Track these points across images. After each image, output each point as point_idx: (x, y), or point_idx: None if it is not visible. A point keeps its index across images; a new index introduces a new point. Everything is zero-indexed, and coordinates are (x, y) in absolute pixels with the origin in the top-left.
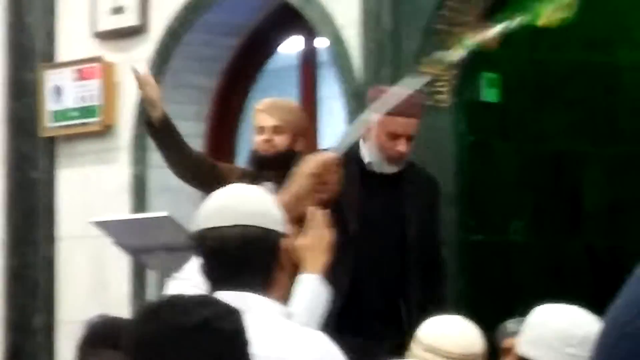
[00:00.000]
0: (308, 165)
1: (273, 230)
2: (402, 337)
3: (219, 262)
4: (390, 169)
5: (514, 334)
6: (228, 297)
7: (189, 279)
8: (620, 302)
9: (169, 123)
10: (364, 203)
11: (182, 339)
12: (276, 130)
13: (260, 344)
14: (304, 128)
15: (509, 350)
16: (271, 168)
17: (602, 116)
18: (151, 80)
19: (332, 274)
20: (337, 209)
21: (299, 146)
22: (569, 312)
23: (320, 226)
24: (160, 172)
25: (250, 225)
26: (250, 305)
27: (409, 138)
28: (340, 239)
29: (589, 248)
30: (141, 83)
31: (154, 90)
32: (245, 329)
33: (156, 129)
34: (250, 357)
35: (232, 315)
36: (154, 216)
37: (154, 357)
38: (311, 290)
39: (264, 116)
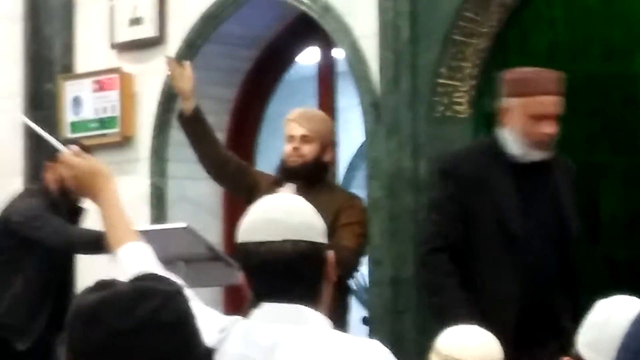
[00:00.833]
0: None
1: (320, 243)
2: (564, 340)
3: (269, 277)
4: (539, 156)
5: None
6: (282, 309)
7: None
8: None
9: (200, 115)
10: (522, 199)
11: (128, 341)
12: (304, 139)
13: (320, 356)
14: (332, 139)
15: None
16: (298, 177)
17: (619, 126)
18: (186, 70)
19: (498, 278)
20: (496, 210)
21: (327, 156)
22: (629, 313)
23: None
24: (179, 183)
25: (300, 240)
26: (306, 317)
27: (555, 118)
28: (503, 241)
29: (607, 259)
30: (174, 73)
31: (187, 81)
32: (189, 311)
33: (187, 120)
34: (199, 341)
35: (171, 304)
36: (173, 227)
37: None
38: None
39: (293, 125)
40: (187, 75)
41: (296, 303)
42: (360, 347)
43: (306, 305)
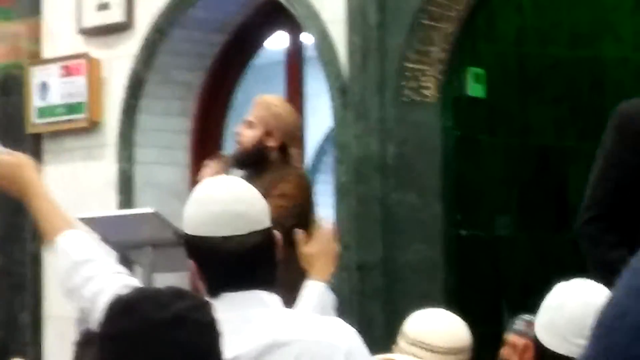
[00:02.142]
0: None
1: (271, 227)
2: None
3: (231, 269)
4: None
5: (521, 331)
6: (241, 297)
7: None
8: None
9: None
10: None
11: (160, 332)
12: (248, 125)
13: (291, 331)
14: (281, 124)
15: (511, 346)
16: (240, 164)
17: (587, 111)
18: None
19: None
20: None
21: (271, 141)
22: (584, 297)
23: (328, 235)
24: (146, 168)
25: (260, 230)
26: (267, 303)
27: None
28: None
29: (575, 242)
30: None
31: None
32: (216, 320)
33: None
34: (222, 347)
35: (205, 307)
36: (140, 212)
37: (131, 352)
38: (317, 296)
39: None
40: None
41: (257, 288)
42: (324, 324)
43: (266, 289)
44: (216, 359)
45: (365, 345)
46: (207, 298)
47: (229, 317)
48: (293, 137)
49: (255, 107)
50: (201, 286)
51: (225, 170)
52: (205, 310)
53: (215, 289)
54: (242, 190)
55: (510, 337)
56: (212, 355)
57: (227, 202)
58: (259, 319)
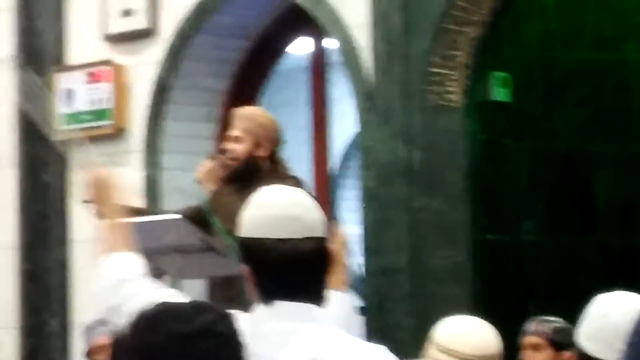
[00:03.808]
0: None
1: (326, 238)
2: None
3: (286, 275)
4: None
5: (534, 332)
6: (295, 308)
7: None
8: None
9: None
10: None
11: (185, 346)
12: (236, 140)
13: (331, 355)
14: (268, 134)
15: (529, 347)
16: (234, 178)
17: (612, 114)
18: None
19: None
20: None
21: (261, 152)
22: (631, 306)
23: (340, 244)
24: (172, 174)
25: (317, 237)
26: (318, 318)
27: None
28: None
29: (602, 247)
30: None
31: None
32: (239, 331)
33: None
34: (245, 358)
35: (227, 319)
36: (167, 218)
37: None
38: (343, 308)
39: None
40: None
41: (308, 301)
42: (367, 351)
43: (317, 303)
44: None
45: (392, 349)
46: (259, 305)
47: (278, 328)
48: (279, 143)
49: (239, 121)
50: (253, 294)
51: (220, 170)
52: (227, 322)
53: (268, 296)
54: (299, 196)
55: (528, 339)
56: None
57: (283, 205)
58: (306, 334)
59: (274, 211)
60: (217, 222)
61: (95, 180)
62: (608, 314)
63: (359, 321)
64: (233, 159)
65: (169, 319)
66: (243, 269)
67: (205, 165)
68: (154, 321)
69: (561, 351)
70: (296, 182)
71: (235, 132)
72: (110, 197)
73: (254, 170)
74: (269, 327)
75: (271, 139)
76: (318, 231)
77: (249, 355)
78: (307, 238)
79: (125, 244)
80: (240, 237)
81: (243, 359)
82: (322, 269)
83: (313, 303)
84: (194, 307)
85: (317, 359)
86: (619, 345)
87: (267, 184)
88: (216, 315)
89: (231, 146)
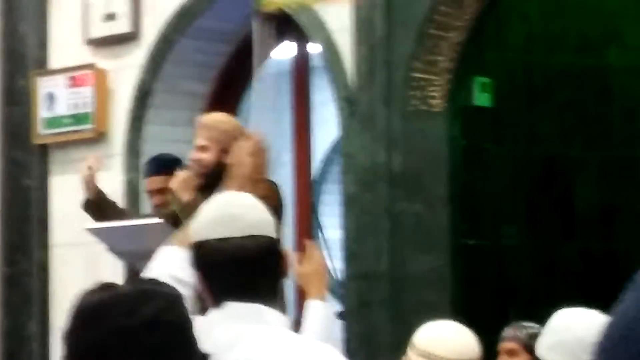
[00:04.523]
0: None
1: (275, 238)
2: None
3: (232, 274)
4: None
5: (511, 337)
6: (244, 309)
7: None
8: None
9: (103, 196)
10: None
11: (129, 340)
12: (202, 149)
13: (283, 355)
14: (232, 140)
15: (505, 353)
16: (205, 186)
17: (594, 119)
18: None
19: None
20: None
21: (227, 158)
22: (590, 318)
23: (316, 254)
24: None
25: (260, 235)
26: (267, 319)
27: None
28: None
29: (582, 251)
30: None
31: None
32: (189, 316)
33: (92, 203)
34: (198, 344)
35: (175, 306)
36: (147, 222)
37: None
38: (322, 317)
39: (197, 135)
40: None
41: (258, 301)
42: (314, 352)
43: (268, 304)
44: (190, 357)
45: (371, 354)
46: (212, 309)
47: (227, 329)
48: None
49: (201, 130)
50: (207, 299)
51: (194, 179)
52: (175, 309)
53: (217, 298)
54: (243, 197)
55: (504, 344)
56: (186, 354)
57: (223, 206)
58: (254, 336)
59: (214, 212)
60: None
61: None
62: (570, 326)
63: (338, 329)
64: (202, 168)
65: (110, 311)
66: (194, 275)
67: (180, 176)
68: (94, 315)
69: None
70: (268, 185)
71: (200, 141)
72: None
73: (223, 177)
74: (219, 328)
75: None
76: (261, 230)
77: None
78: (250, 236)
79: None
80: (190, 243)
81: (194, 347)
82: (268, 267)
83: (263, 303)
84: (139, 296)
85: None
86: (583, 355)
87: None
88: (163, 303)
89: (198, 156)
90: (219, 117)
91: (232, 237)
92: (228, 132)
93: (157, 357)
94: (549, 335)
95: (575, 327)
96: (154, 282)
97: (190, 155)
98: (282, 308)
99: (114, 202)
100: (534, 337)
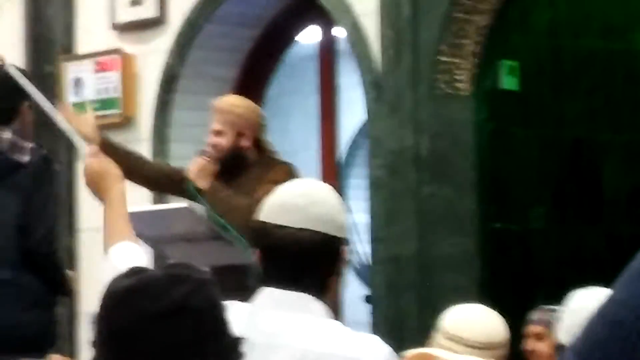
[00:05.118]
0: None
1: (337, 237)
2: None
3: (281, 262)
4: None
5: (538, 321)
6: (286, 296)
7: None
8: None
9: (110, 146)
10: None
11: (158, 325)
12: (218, 134)
13: (322, 342)
14: (250, 123)
15: (532, 336)
16: (221, 171)
17: (621, 103)
18: (87, 115)
19: None
20: None
21: (245, 142)
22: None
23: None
24: (181, 163)
25: (317, 232)
26: (309, 307)
27: None
28: None
29: (610, 235)
30: (76, 120)
31: (89, 126)
32: (220, 299)
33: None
34: (229, 329)
35: (205, 290)
36: (174, 207)
37: (128, 347)
38: None
39: (214, 119)
40: (89, 119)
41: (304, 292)
42: (360, 342)
43: (313, 295)
44: (222, 342)
45: (399, 338)
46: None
47: (273, 317)
48: (262, 128)
49: (218, 114)
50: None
51: (212, 165)
52: (205, 293)
53: (267, 281)
54: (315, 189)
55: (531, 328)
56: (216, 338)
57: (293, 194)
58: (298, 325)
59: (281, 198)
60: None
61: (90, 168)
62: (587, 308)
63: None
64: (218, 152)
65: (138, 295)
66: (254, 252)
67: (197, 162)
68: (124, 299)
69: None
70: (286, 168)
71: (216, 126)
72: (108, 185)
73: (240, 162)
74: (264, 315)
75: (252, 127)
76: (322, 226)
77: (237, 333)
78: (307, 230)
79: (127, 232)
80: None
81: (225, 331)
82: (321, 264)
83: (308, 294)
84: (168, 281)
85: (311, 351)
86: None
87: (254, 174)
88: (193, 286)
89: (214, 140)
90: (233, 101)
91: (288, 226)
92: (243, 116)
93: (186, 341)
94: (566, 318)
95: (590, 308)
96: (183, 266)
97: (207, 140)
98: (334, 306)
99: (126, 151)
100: None
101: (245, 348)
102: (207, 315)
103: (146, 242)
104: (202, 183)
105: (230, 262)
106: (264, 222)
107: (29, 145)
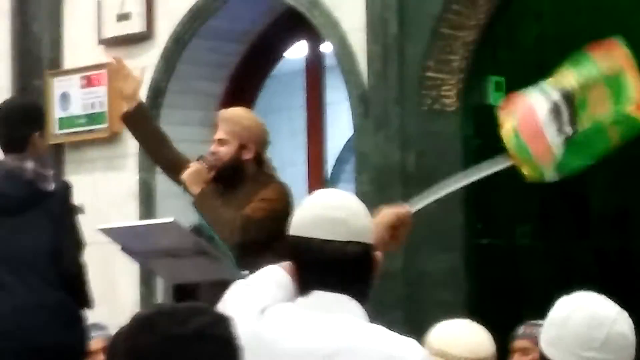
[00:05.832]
0: (385, 217)
1: (372, 245)
2: None
3: (327, 273)
4: None
5: (523, 335)
6: (330, 298)
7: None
8: None
9: (145, 112)
10: None
11: (179, 348)
12: (220, 142)
13: (362, 339)
14: (254, 137)
15: (518, 351)
16: (218, 179)
17: None
18: (130, 72)
19: None
20: None
21: (247, 154)
22: (590, 309)
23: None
24: (167, 178)
25: (360, 242)
26: (352, 309)
27: None
28: None
29: (597, 251)
30: (120, 74)
31: (132, 82)
32: (235, 334)
33: (130, 117)
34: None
35: (224, 323)
36: (160, 222)
37: None
38: None
39: (218, 128)
40: (132, 76)
41: (346, 294)
42: (397, 343)
43: (356, 298)
44: None
45: None
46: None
47: (311, 315)
48: (265, 144)
49: (223, 124)
50: (296, 286)
51: (207, 172)
52: (224, 326)
53: (307, 288)
54: (349, 200)
55: (517, 342)
56: None
57: (331, 207)
58: (337, 322)
59: (321, 211)
60: (204, 224)
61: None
62: (567, 319)
63: None
64: (217, 161)
65: (164, 320)
66: (287, 266)
67: (192, 167)
68: (149, 322)
69: None
70: (279, 188)
71: (219, 134)
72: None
73: (237, 174)
74: (302, 315)
75: (256, 141)
76: (363, 236)
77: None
78: (352, 242)
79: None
80: (289, 235)
81: None
82: (362, 272)
83: (351, 297)
84: (191, 309)
85: (347, 346)
86: (581, 352)
87: (250, 189)
88: (213, 318)
89: (216, 149)
90: (241, 112)
91: (335, 240)
92: (249, 128)
93: None
94: (547, 329)
95: (573, 320)
96: (201, 304)
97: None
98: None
99: (156, 125)
100: None
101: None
102: (225, 344)
103: (133, 257)
104: (194, 188)
105: (216, 277)
106: (306, 237)
107: (50, 172)
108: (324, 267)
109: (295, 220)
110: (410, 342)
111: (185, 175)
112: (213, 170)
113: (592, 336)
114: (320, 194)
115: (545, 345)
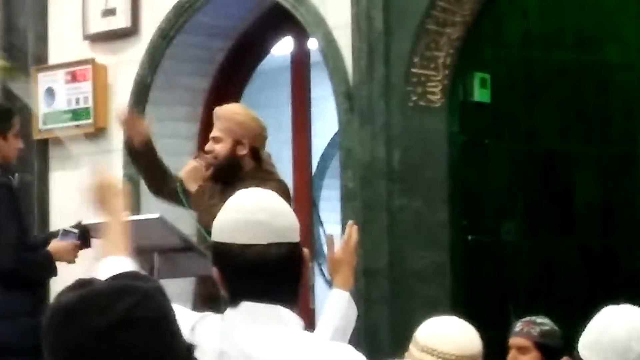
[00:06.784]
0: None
1: (298, 243)
2: None
3: (252, 279)
4: None
5: (520, 333)
6: (261, 310)
7: None
8: None
9: (151, 146)
10: None
11: (103, 340)
12: (215, 140)
13: (298, 355)
14: (249, 133)
15: (515, 348)
16: (214, 177)
17: (593, 116)
18: (139, 122)
19: None
20: None
21: (242, 151)
22: (631, 321)
23: (354, 244)
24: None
25: (283, 243)
26: (284, 319)
27: None
28: None
29: (582, 247)
30: (129, 125)
31: (141, 132)
32: (169, 308)
33: (137, 152)
34: (180, 336)
35: (151, 300)
36: (146, 218)
37: None
38: (344, 307)
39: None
40: (141, 126)
41: (276, 303)
42: (335, 351)
43: (285, 306)
44: (171, 351)
45: (372, 350)
46: (228, 307)
47: (246, 331)
48: (261, 139)
49: (218, 121)
50: (224, 294)
51: (204, 170)
52: (152, 304)
53: (235, 298)
54: (269, 201)
55: (514, 340)
56: (166, 349)
57: (249, 211)
58: (274, 338)
59: (240, 216)
60: (199, 225)
61: (99, 184)
62: (608, 327)
63: (353, 323)
64: (213, 159)
65: (84, 311)
66: (214, 272)
67: (189, 165)
68: (68, 315)
69: (548, 354)
70: (277, 186)
71: (214, 132)
72: (112, 200)
73: (235, 170)
74: (236, 329)
75: (251, 137)
76: (286, 236)
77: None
78: (274, 244)
79: (124, 247)
80: (212, 241)
81: (175, 340)
82: (290, 273)
83: (282, 304)
84: (113, 293)
85: None
86: (615, 358)
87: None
88: (139, 298)
89: (211, 147)
90: (234, 108)
91: (254, 244)
92: (243, 124)
93: (133, 353)
94: (587, 333)
95: (613, 328)
96: (130, 276)
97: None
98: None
99: (161, 160)
100: (546, 334)
101: None
102: (153, 326)
103: None
104: (192, 185)
105: (201, 273)
106: (227, 244)
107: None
108: (248, 273)
109: (216, 226)
110: (346, 349)
111: (183, 172)
112: (210, 168)
113: (630, 346)
114: (240, 196)
115: (582, 348)
